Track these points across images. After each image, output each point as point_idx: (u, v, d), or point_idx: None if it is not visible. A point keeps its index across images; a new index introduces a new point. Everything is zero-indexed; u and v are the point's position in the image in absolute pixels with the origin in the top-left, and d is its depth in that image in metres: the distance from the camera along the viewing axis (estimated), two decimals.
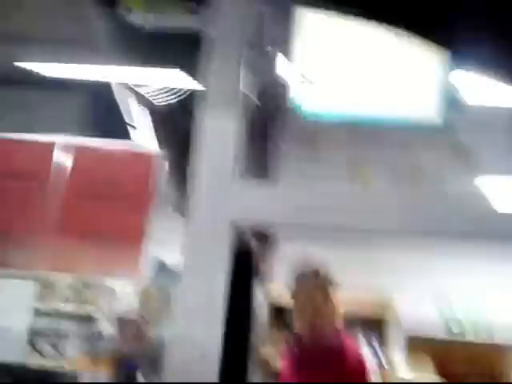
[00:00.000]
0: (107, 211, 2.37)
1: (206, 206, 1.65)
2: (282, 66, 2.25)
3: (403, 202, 1.65)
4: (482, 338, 6.47)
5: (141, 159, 2.41)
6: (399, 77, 2.13)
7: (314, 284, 3.10)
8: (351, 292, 4.49)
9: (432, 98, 2.13)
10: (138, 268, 2.38)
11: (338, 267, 3.17)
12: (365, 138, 4.13)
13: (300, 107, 2.11)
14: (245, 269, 1.76)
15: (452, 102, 2.24)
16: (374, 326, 6.24)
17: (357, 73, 2.10)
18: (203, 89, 1.71)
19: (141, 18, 2.23)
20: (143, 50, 2.45)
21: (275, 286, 2.39)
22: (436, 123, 2.14)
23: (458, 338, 6.53)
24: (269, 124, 2.35)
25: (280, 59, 2.27)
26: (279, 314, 3.86)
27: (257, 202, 1.66)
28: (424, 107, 2.14)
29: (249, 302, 1.81)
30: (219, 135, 1.68)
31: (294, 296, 3.14)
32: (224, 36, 1.74)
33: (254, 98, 1.92)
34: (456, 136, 3.94)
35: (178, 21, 2.23)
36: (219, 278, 1.60)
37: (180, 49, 2.29)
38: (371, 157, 4.73)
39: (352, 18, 1.93)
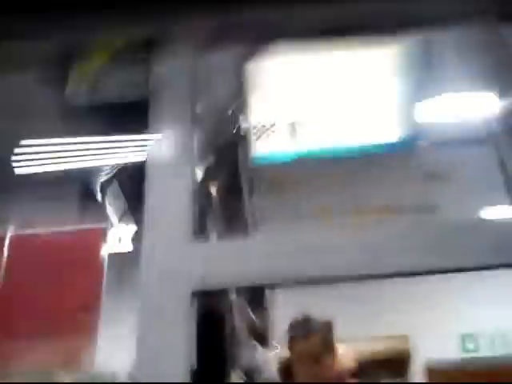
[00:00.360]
0: (54, 298, 2.26)
1: (162, 274, 1.50)
2: (239, 119, 2.24)
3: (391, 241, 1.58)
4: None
5: (92, 238, 2.32)
6: (358, 104, 2.11)
7: (310, 333, 3.07)
8: (366, 339, 4.34)
9: (394, 121, 2.12)
10: (87, 358, 2.27)
11: (343, 312, 3.10)
12: (331, 177, 4.12)
13: (261, 156, 2.09)
14: (214, 337, 1.63)
15: (414, 123, 2.22)
16: (394, 366, 6.15)
17: (316, 108, 2.08)
18: (155, 150, 1.67)
19: (87, 96, 2.17)
20: (93, 127, 2.39)
21: (279, 343, 2.29)
22: (400, 146, 2.13)
23: (482, 369, 6.40)
24: (233, 179, 2.32)
25: (235, 112, 2.26)
26: (286, 368, 3.83)
27: (220, 261, 1.52)
28: (387, 132, 2.13)
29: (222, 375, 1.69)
30: (172, 196, 1.57)
31: (291, 347, 3.10)
32: (173, 94, 1.71)
33: (211, 154, 1.88)
34: (422, 158, 3.94)
35: (127, 90, 2.20)
36: (179, 360, 1.45)
37: (132, 116, 2.25)
38: (338, 195, 4.70)
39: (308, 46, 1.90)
